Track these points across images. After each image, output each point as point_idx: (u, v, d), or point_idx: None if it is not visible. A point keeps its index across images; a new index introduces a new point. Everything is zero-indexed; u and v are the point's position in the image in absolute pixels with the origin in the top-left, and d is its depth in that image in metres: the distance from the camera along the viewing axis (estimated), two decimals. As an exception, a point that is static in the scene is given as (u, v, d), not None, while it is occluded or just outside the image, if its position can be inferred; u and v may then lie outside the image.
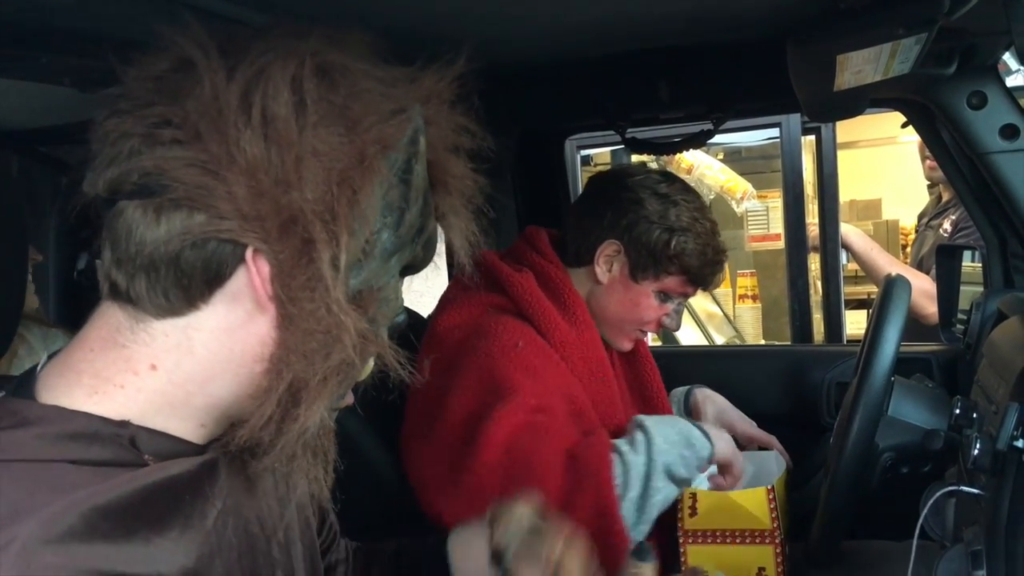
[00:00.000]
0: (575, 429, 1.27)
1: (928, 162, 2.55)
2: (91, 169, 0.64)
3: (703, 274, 1.43)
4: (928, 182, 2.78)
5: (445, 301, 1.43)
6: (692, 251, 1.39)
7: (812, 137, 3.09)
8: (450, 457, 1.24)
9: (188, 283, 0.64)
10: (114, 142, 0.63)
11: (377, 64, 0.68)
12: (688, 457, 1.23)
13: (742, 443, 1.52)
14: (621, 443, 1.23)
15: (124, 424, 0.63)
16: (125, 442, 0.63)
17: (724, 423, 1.54)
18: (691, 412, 1.59)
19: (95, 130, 0.64)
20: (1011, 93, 1.41)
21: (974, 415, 0.99)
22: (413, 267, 0.74)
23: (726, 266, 4.61)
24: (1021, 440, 0.77)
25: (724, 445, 1.29)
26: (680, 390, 1.63)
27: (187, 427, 0.68)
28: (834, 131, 3.00)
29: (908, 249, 4.95)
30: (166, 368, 0.65)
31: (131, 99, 0.63)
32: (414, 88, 0.69)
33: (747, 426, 1.56)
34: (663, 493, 1.21)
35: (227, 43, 0.64)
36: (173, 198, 0.61)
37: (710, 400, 1.59)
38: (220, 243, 0.63)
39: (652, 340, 3.29)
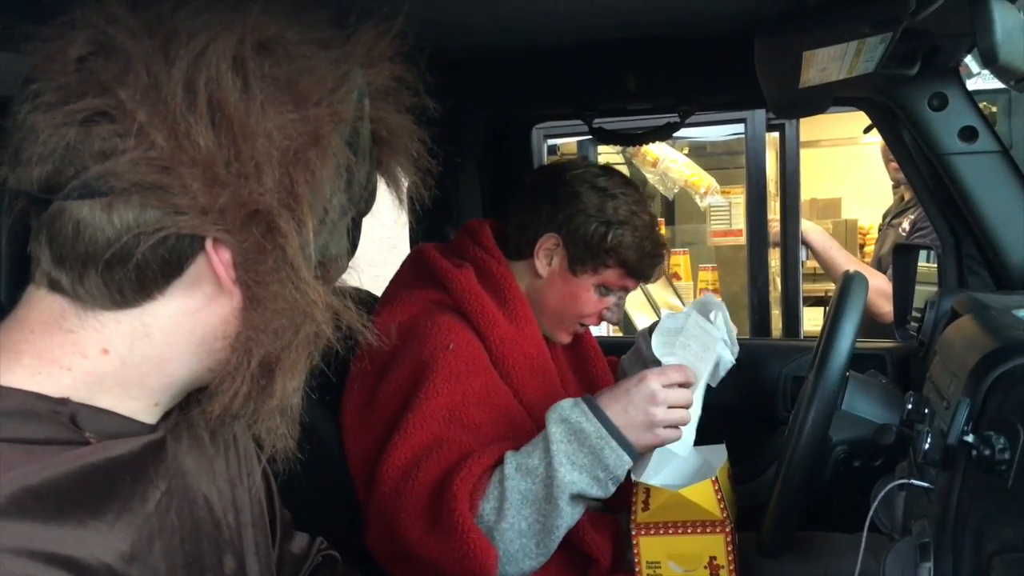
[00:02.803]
0: (477, 441, 1.23)
1: (892, 163, 2.59)
2: (17, 164, 0.60)
3: (641, 267, 1.42)
4: (893, 182, 2.83)
5: (386, 299, 1.41)
6: (630, 244, 1.39)
7: (776, 134, 3.13)
8: (372, 456, 1.26)
9: (145, 279, 0.62)
10: (44, 140, 0.59)
11: (309, 26, 0.66)
12: (604, 478, 1.15)
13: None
14: (510, 463, 1.16)
15: (64, 402, 0.61)
16: (64, 420, 0.61)
17: None
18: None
19: (13, 122, 0.61)
20: (971, 96, 1.43)
21: (926, 411, 1.01)
22: (357, 217, 0.73)
23: (688, 260, 4.61)
24: (971, 435, 0.79)
25: (646, 441, 1.17)
26: (646, 325, 1.60)
27: (139, 406, 0.66)
28: (797, 129, 3.04)
29: (866, 248, 5.05)
30: (119, 352, 0.63)
31: (54, 89, 0.59)
32: (353, 47, 0.67)
33: None
34: (569, 520, 1.16)
35: (152, 19, 0.61)
36: (123, 197, 0.59)
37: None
38: (179, 238, 0.61)
39: (614, 331, 3.31)
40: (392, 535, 1.19)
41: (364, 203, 0.72)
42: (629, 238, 1.38)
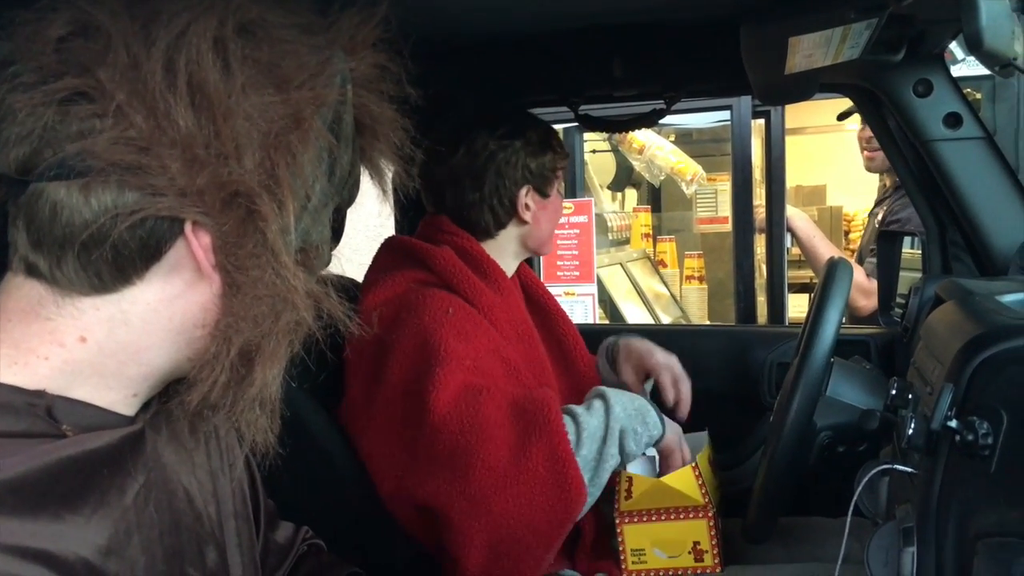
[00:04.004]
0: (513, 387, 1.29)
1: (866, 153, 2.59)
2: None
3: (559, 142, 1.52)
4: (868, 171, 2.82)
5: (368, 284, 1.42)
6: (543, 139, 1.47)
7: (761, 121, 3.13)
8: (398, 429, 1.25)
9: (123, 263, 0.61)
10: (22, 120, 0.58)
11: (291, 11, 0.65)
12: (640, 433, 1.25)
13: (659, 370, 1.53)
14: (575, 407, 1.26)
15: (39, 394, 0.60)
16: (41, 412, 0.60)
17: (633, 361, 1.55)
18: (612, 360, 1.59)
19: None
20: (956, 82, 1.43)
21: (910, 396, 1.01)
22: (340, 209, 0.72)
23: (674, 247, 4.60)
24: (955, 420, 0.79)
25: (673, 433, 1.30)
26: (611, 339, 1.63)
27: (117, 397, 0.65)
28: (783, 116, 3.04)
29: (851, 235, 5.07)
30: (97, 340, 0.62)
31: (33, 70, 0.58)
32: (335, 34, 0.67)
33: (652, 358, 1.54)
34: (612, 462, 1.22)
35: (132, 1, 0.60)
36: (101, 178, 0.58)
37: (625, 346, 1.58)
38: (157, 220, 0.60)
39: (600, 318, 3.31)
40: (469, 477, 1.17)
41: (348, 192, 0.72)
42: (536, 137, 1.46)
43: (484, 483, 1.17)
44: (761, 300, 3.37)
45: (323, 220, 0.69)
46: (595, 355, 1.63)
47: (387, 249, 1.48)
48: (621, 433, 1.23)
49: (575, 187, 3.41)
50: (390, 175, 0.77)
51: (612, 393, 1.27)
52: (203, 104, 0.59)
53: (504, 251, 1.48)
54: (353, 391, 1.34)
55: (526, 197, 1.45)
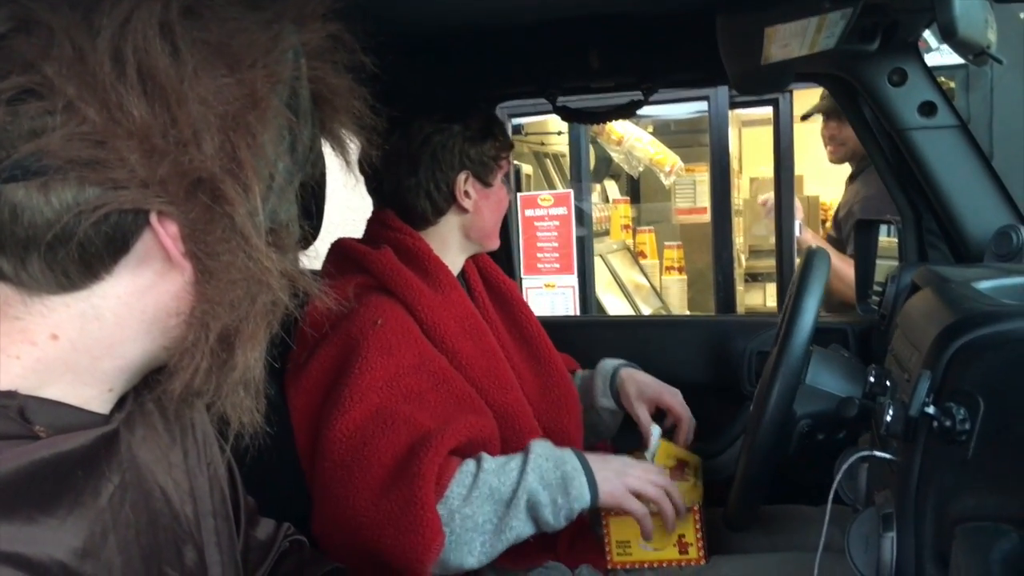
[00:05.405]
0: (433, 405, 1.27)
1: (830, 147, 2.63)
2: None
3: (504, 131, 1.51)
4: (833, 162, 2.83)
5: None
6: (484, 127, 1.46)
7: (738, 111, 3.15)
8: (310, 437, 1.28)
9: (90, 259, 0.60)
10: None
11: None
12: (560, 505, 1.20)
13: (662, 411, 1.55)
14: (489, 461, 1.22)
15: (11, 394, 0.59)
16: (13, 414, 0.59)
17: (647, 398, 1.56)
18: (616, 393, 1.59)
19: None
20: (930, 71, 1.44)
21: (888, 383, 1.02)
22: (304, 184, 0.72)
23: (653, 238, 4.61)
24: (932, 407, 0.79)
25: (611, 488, 1.24)
26: (609, 366, 1.63)
27: (92, 393, 0.64)
28: (791, 104, 3.04)
29: (827, 224, 5.10)
30: (69, 337, 0.61)
31: None
32: (283, 7, 0.66)
33: (671, 398, 1.56)
34: (518, 531, 1.19)
35: None
36: (60, 176, 0.57)
37: (632, 380, 1.58)
38: (121, 214, 0.59)
39: (587, 309, 3.32)
40: (337, 508, 1.19)
41: (312, 167, 0.71)
42: (476, 124, 1.45)
43: (344, 515, 1.18)
44: (740, 289, 3.39)
45: (289, 198, 0.68)
46: (559, 348, 1.62)
47: (332, 254, 1.47)
48: (531, 505, 1.19)
49: (581, 176, 3.41)
50: (355, 151, 0.76)
51: (540, 453, 1.23)
52: (155, 92, 0.58)
53: (447, 244, 1.47)
54: (287, 387, 1.34)
55: (465, 184, 1.44)
